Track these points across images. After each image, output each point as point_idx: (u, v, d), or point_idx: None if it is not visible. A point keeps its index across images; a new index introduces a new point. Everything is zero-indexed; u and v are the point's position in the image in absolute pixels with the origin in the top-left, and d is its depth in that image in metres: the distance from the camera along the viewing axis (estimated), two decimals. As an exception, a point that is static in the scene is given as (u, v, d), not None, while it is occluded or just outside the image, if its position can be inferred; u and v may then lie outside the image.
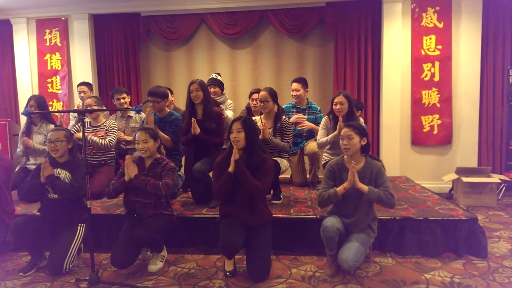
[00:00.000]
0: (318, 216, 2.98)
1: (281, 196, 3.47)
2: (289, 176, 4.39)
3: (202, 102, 3.26)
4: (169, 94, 4.11)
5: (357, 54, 5.23)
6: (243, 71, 5.60)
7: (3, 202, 2.91)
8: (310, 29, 5.32)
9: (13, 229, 2.62)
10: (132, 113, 4.14)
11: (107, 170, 3.76)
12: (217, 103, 4.05)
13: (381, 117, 5.21)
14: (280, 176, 3.54)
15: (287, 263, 2.79)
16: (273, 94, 3.36)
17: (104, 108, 4.23)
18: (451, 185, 4.78)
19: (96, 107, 3.71)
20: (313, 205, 3.30)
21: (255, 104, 3.99)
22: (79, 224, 2.76)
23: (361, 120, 3.61)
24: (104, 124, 3.77)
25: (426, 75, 5.02)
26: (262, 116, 3.44)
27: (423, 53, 5.00)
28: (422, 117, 5.07)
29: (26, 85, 5.72)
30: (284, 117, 3.44)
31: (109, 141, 3.66)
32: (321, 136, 3.59)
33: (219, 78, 4.24)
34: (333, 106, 3.42)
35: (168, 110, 3.62)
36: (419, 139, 5.11)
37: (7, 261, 2.90)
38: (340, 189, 2.51)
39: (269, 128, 3.34)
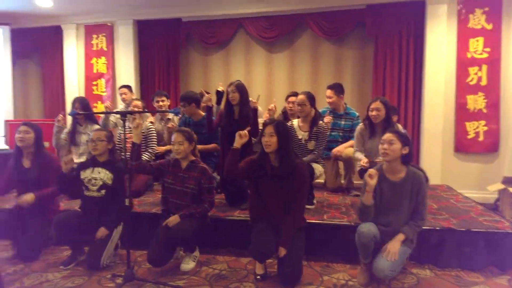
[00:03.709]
0: (352, 223, 2.91)
1: (314, 201, 3.42)
2: (322, 181, 4.32)
3: (238, 104, 3.30)
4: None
5: (398, 57, 5.07)
6: (280, 75, 5.60)
7: (53, 201, 3.08)
8: (348, 32, 5.23)
9: (56, 224, 2.76)
10: (170, 115, 4.26)
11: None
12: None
13: (422, 122, 5.00)
14: (315, 181, 3.49)
15: (319, 270, 2.74)
16: (311, 98, 3.32)
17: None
18: (496, 196, 4.48)
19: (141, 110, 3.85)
20: (347, 211, 3.23)
21: (291, 107, 3.97)
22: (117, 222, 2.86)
23: (400, 126, 3.48)
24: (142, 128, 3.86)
25: (472, 79, 4.76)
26: (299, 119, 3.41)
27: (469, 56, 4.75)
28: (467, 123, 4.81)
29: (73, 88, 6.06)
30: (320, 122, 3.39)
31: (150, 156, 3.80)
32: (357, 148, 3.46)
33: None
34: (369, 112, 3.32)
35: (203, 113, 3.68)
36: (463, 146, 4.85)
37: (49, 254, 3.06)
38: (365, 199, 2.44)
39: (305, 132, 3.31)
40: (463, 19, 4.76)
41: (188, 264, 2.77)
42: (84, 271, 2.74)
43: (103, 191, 2.85)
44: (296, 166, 2.52)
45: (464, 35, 4.76)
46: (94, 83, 6.03)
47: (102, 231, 2.77)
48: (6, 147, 4.82)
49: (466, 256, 2.73)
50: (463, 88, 4.80)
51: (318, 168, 3.33)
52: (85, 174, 2.89)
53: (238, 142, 2.56)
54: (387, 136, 2.47)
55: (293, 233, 2.49)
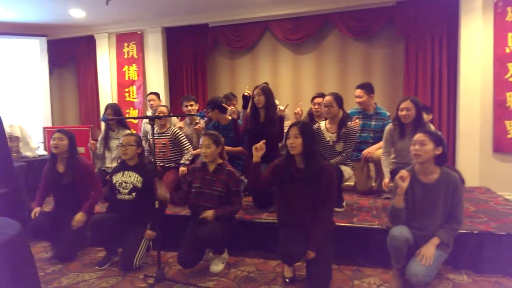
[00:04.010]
0: (384, 227, 2.83)
1: (344, 204, 3.35)
2: (352, 183, 4.23)
3: (264, 107, 3.30)
4: (232, 99, 4.23)
5: (431, 54, 4.91)
6: (307, 76, 5.56)
7: (96, 200, 3.21)
8: (377, 30, 5.12)
9: (91, 226, 2.88)
10: (199, 120, 4.31)
11: (175, 172, 3.96)
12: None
13: (458, 122, 4.80)
14: (344, 183, 3.43)
15: (350, 274, 2.68)
16: (338, 99, 3.26)
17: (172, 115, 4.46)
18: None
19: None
20: (378, 215, 3.14)
21: (317, 109, 3.92)
22: (148, 224, 2.93)
23: (432, 126, 3.35)
24: (168, 130, 3.91)
25: (512, 75, 4.53)
26: (327, 121, 3.36)
27: (507, 51, 4.52)
28: (506, 122, 4.57)
29: (107, 95, 6.28)
30: (349, 123, 3.33)
31: (189, 157, 3.85)
32: (385, 149, 3.37)
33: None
34: (399, 112, 3.21)
35: (230, 117, 3.71)
36: (502, 146, 4.61)
37: (85, 255, 3.18)
38: (396, 201, 2.36)
39: (333, 133, 3.26)
40: (500, 12, 4.53)
41: (217, 266, 2.79)
42: (118, 272, 2.83)
43: (133, 194, 2.93)
44: (323, 167, 2.47)
45: (501, 29, 4.54)
46: (126, 90, 6.23)
47: (149, 234, 2.86)
48: (45, 152, 5.07)
49: (506, 262, 2.58)
50: (501, 84, 4.57)
51: (346, 170, 3.27)
52: (117, 178, 2.99)
53: (256, 156, 2.50)
54: (418, 136, 2.38)
55: (321, 236, 2.45)
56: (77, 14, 5.51)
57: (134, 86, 6.18)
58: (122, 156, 2.99)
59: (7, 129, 4.43)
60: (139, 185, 2.93)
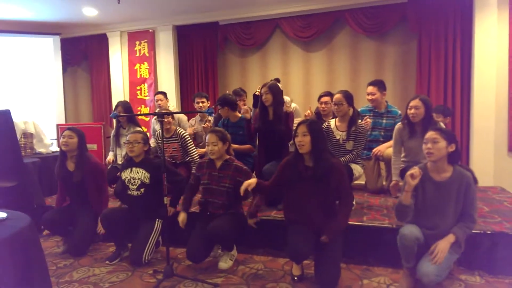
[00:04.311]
0: (394, 226, 2.79)
1: (354, 203, 3.31)
2: (363, 182, 4.19)
3: (272, 105, 3.28)
4: (242, 95, 4.22)
5: (444, 52, 4.83)
6: (317, 74, 5.52)
7: (104, 202, 3.23)
8: (390, 28, 5.06)
9: (103, 220, 2.93)
10: (211, 117, 4.30)
11: (185, 167, 3.97)
12: None
13: (472, 120, 4.72)
14: (355, 182, 3.39)
15: (359, 273, 2.65)
16: (348, 97, 3.22)
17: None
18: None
19: (169, 118, 3.77)
20: (389, 214, 3.10)
21: (324, 108, 3.88)
22: (157, 220, 2.96)
23: (442, 125, 3.28)
24: (175, 134, 3.79)
25: (528, 72, 4.42)
26: (336, 119, 3.33)
27: (524, 47, 4.42)
28: (523, 120, 4.47)
29: (119, 92, 6.35)
30: (359, 121, 3.29)
31: (195, 161, 3.73)
32: (395, 149, 3.32)
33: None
34: (408, 110, 3.15)
35: (240, 115, 3.70)
36: (518, 145, 4.51)
37: (96, 250, 3.22)
38: (404, 198, 2.32)
39: (342, 131, 3.23)
40: (517, 8, 4.43)
41: (226, 263, 2.79)
42: (128, 267, 2.85)
43: (142, 190, 2.96)
44: (332, 165, 2.43)
45: (517, 25, 4.44)
46: (138, 87, 6.28)
47: (170, 210, 2.91)
48: (58, 149, 5.15)
49: (522, 263, 2.52)
50: (517, 82, 4.47)
51: (357, 168, 3.23)
52: (125, 175, 3.02)
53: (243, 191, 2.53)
54: (430, 134, 2.34)
55: (337, 227, 2.42)
56: (90, 12, 5.58)
57: (146, 84, 6.23)
58: (129, 153, 3.01)
59: (21, 126, 4.52)
60: (147, 181, 2.95)
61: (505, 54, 4.51)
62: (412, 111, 3.10)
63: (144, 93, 6.27)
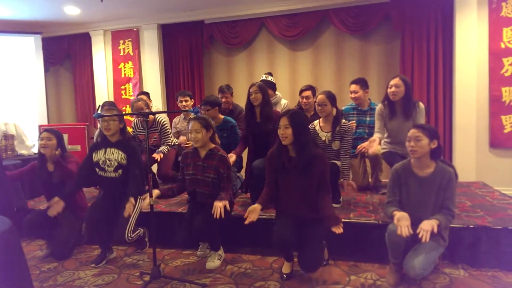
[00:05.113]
0: (380, 222, 2.82)
1: (341, 200, 3.35)
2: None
3: (260, 105, 3.28)
4: (226, 92, 4.21)
5: (426, 50, 4.91)
6: (303, 72, 5.55)
7: (77, 197, 3.18)
8: (373, 27, 5.11)
9: (87, 223, 2.87)
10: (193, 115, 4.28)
11: (171, 152, 4.01)
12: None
13: (454, 117, 4.81)
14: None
15: (346, 270, 2.67)
16: (331, 97, 3.22)
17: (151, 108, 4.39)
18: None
19: (146, 110, 3.86)
20: (375, 210, 3.14)
21: (305, 102, 3.88)
22: (138, 197, 2.89)
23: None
24: (155, 123, 3.92)
25: (507, 70, 4.53)
26: (320, 120, 3.34)
27: (503, 46, 4.53)
28: (502, 117, 4.58)
29: (103, 92, 6.25)
30: (343, 120, 3.31)
31: (167, 148, 3.90)
32: (378, 129, 3.38)
33: (269, 78, 4.21)
34: (388, 89, 3.18)
35: (222, 117, 3.68)
36: (498, 141, 4.62)
37: (81, 253, 3.16)
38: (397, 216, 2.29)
39: (327, 132, 3.24)
40: (495, 8, 4.54)
41: (214, 262, 2.78)
42: (114, 269, 2.81)
43: (120, 171, 2.89)
44: (316, 155, 2.44)
45: (496, 24, 4.54)
46: (122, 87, 6.20)
47: (130, 204, 2.72)
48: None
49: (503, 256, 2.58)
50: (497, 80, 4.58)
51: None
52: (98, 156, 2.93)
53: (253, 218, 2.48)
54: (412, 132, 2.38)
55: (334, 213, 2.43)
56: (72, 11, 5.47)
57: (130, 84, 6.15)
58: (105, 132, 2.92)
59: (2, 127, 4.42)
60: (124, 161, 2.89)
61: (485, 53, 4.62)
62: (393, 89, 3.14)
63: (129, 92, 6.19)
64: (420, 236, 2.18)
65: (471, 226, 2.68)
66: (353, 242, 2.88)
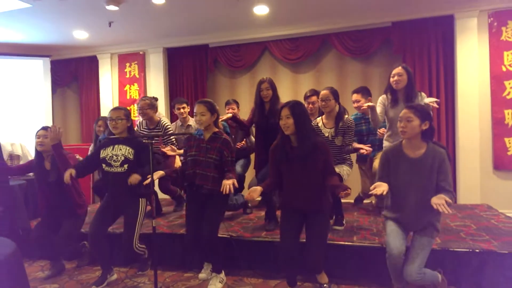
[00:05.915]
0: (384, 245, 2.79)
1: (344, 222, 3.32)
2: (352, 201, 4.20)
3: (270, 101, 3.33)
4: (231, 103, 4.37)
5: (428, 73, 4.96)
6: (306, 95, 5.59)
7: (74, 194, 3.17)
8: (375, 50, 5.20)
9: (90, 241, 2.87)
10: (191, 122, 4.28)
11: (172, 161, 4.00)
12: None
13: (457, 140, 4.82)
14: (343, 200, 3.39)
15: (350, 294, 2.63)
16: (334, 93, 3.24)
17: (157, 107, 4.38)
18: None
19: (149, 111, 3.92)
20: (378, 233, 3.11)
21: (311, 107, 3.90)
22: (140, 199, 2.89)
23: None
24: (159, 125, 3.95)
25: (509, 92, 4.57)
26: (323, 116, 3.35)
27: (504, 69, 4.58)
28: (506, 139, 4.58)
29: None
30: (346, 116, 3.32)
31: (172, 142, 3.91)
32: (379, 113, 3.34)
33: None
34: (391, 78, 3.20)
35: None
36: (502, 163, 4.61)
37: (82, 274, 3.15)
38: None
39: (330, 128, 3.26)
40: (495, 32, 4.62)
41: (215, 286, 2.74)
42: (114, 292, 2.79)
43: (125, 166, 2.87)
44: (316, 143, 2.46)
45: (497, 48, 4.61)
46: (128, 108, 6.26)
47: (135, 176, 2.74)
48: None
49: (509, 281, 2.53)
50: (499, 102, 4.61)
51: (343, 170, 3.20)
52: (106, 152, 2.93)
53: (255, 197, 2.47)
54: (404, 113, 2.35)
55: (338, 183, 2.42)
56: (81, 35, 5.63)
57: (136, 105, 6.23)
58: (113, 130, 2.94)
59: (8, 148, 4.47)
60: (131, 156, 2.88)
61: (487, 76, 4.67)
62: (396, 78, 3.16)
63: (134, 114, 6.26)
64: (435, 208, 2.13)
65: (477, 251, 2.65)
66: (357, 266, 2.84)
